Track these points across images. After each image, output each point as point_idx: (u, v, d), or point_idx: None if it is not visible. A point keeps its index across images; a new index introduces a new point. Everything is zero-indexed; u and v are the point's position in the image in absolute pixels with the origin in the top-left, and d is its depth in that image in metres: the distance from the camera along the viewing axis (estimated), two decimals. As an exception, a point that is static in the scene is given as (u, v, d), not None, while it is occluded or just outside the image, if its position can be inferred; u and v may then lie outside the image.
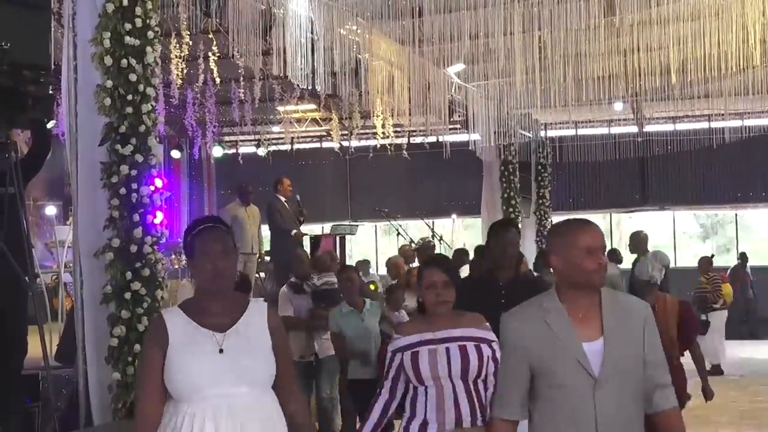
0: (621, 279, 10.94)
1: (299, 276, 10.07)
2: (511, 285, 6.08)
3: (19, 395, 6.72)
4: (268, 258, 15.69)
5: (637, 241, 12.01)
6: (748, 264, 21.32)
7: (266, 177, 22.97)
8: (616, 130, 21.88)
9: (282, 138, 23.50)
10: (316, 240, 15.23)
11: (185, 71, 14.15)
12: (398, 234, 15.80)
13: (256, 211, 15.20)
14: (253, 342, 3.69)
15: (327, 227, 18.14)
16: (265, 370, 3.69)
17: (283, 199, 13.89)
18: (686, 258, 23.28)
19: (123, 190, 6.77)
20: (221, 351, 3.61)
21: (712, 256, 17.07)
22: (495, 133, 17.93)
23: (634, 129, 21.54)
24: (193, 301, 3.80)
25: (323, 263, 11.07)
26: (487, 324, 4.87)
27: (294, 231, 13.72)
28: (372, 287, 10.55)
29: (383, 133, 16.77)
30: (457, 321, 4.85)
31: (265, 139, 23.15)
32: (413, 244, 14.45)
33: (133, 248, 6.77)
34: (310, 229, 20.88)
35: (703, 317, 15.12)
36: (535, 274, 11.56)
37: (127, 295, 6.71)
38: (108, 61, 6.77)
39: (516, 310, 3.95)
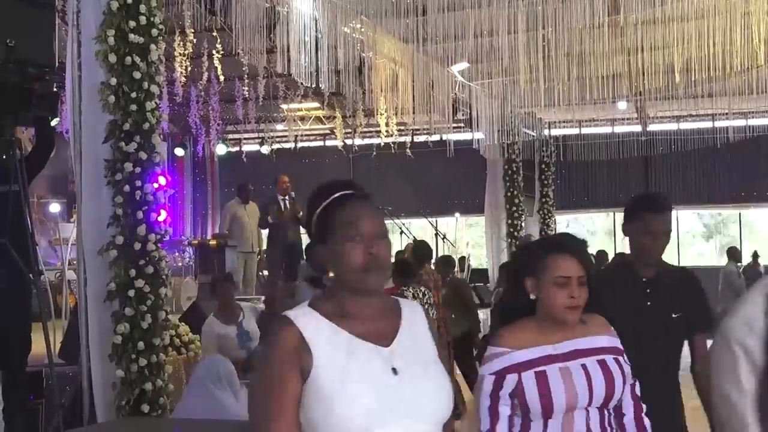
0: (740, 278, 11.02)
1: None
2: (656, 281, 4.50)
3: (23, 392, 6.74)
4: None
5: None
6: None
7: (270, 175, 23.03)
8: (619, 129, 21.90)
9: (286, 136, 23.52)
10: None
11: (189, 69, 14.16)
12: (401, 232, 15.80)
13: (256, 208, 15.29)
14: (424, 358, 2.62)
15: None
16: (447, 397, 2.57)
17: (280, 197, 13.91)
18: (690, 257, 23.31)
19: (127, 188, 6.78)
20: (395, 371, 2.50)
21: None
22: (499, 131, 17.91)
23: (637, 128, 21.55)
24: (329, 301, 2.63)
25: None
26: (612, 328, 3.49)
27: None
28: None
29: (387, 131, 16.78)
30: (580, 327, 3.39)
31: (268, 137, 23.17)
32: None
33: (137, 246, 6.77)
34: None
35: None
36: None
37: (131, 293, 6.71)
38: (112, 58, 6.77)
39: None
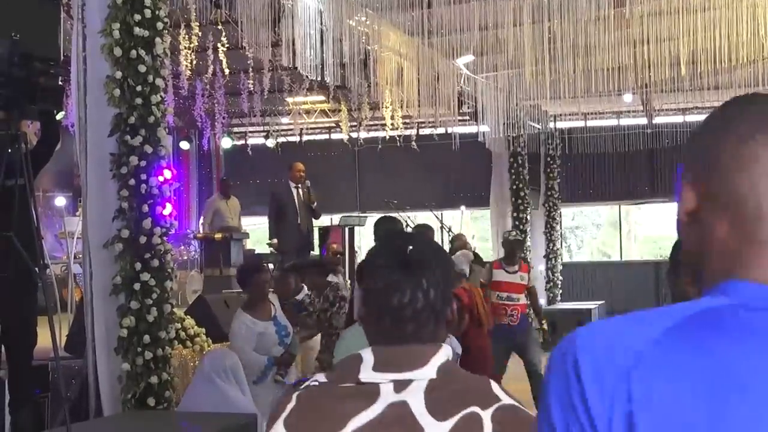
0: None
1: None
2: None
3: (28, 386, 6.75)
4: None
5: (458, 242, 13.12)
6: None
7: (275, 168, 23.02)
8: (625, 121, 21.85)
9: (291, 129, 23.51)
10: (324, 231, 15.22)
11: (194, 62, 14.15)
12: (407, 225, 15.79)
13: (237, 203, 15.33)
14: None
15: (336, 218, 18.15)
16: None
17: (293, 185, 13.23)
18: (695, 250, 23.23)
19: (132, 181, 6.79)
20: None
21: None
22: (504, 124, 17.90)
23: (643, 120, 21.50)
24: None
25: None
26: None
27: (272, 240, 13.18)
28: None
29: (392, 124, 16.75)
30: None
31: (274, 131, 23.16)
32: None
33: (143, 239, 6.79)
34: (319, 220, 20.87)
35: None
36: None
37: (137, 286, 6.73)
38: (117, 52, 6.78)
39: None
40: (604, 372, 1.13)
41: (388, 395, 1.99)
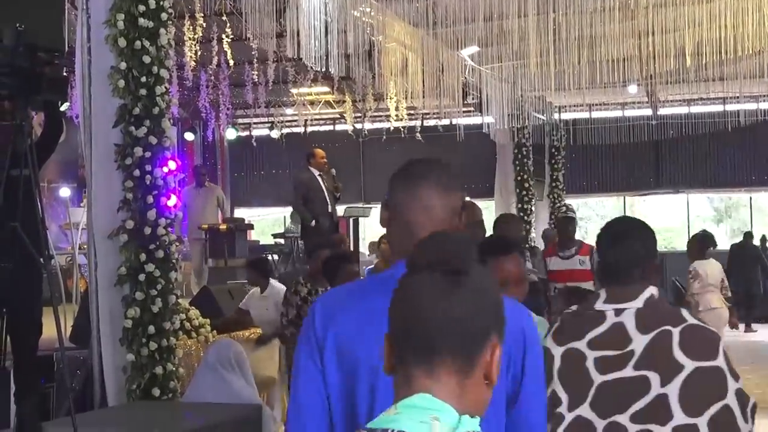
0: None
1: None
2: None
3: (34, 376, 6.76)
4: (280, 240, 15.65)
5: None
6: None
7: (279, 159, 23.03)
8: (630, 112, 21.83)
9: (295, 120, 23.47)
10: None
11: (199, 53, 14.14)
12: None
13: (213, 191, 15.30)
14: None
15: (340, 209, 18.16)
16: None
17: (316, 172, 12.78)
18: (700, 241, 23.21)
19: (137, 172, 6.79)
20: None
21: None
22: (509, 115, 17.87)
23: (648, 112, 21.49)
24: None
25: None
26: None
27: (312, 222, 12.44)
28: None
29: (397, 115, 16.74)
30: None
31: (278, 122, 23.14)
32: None
33: (147, 230, 6.79)
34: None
35: None
36: None
37: (141, 277, 6.73)
38: (122, 42, 6.77)
39: None
40: (321, 315, 2.32)
41: (611, 318, 3.13)
